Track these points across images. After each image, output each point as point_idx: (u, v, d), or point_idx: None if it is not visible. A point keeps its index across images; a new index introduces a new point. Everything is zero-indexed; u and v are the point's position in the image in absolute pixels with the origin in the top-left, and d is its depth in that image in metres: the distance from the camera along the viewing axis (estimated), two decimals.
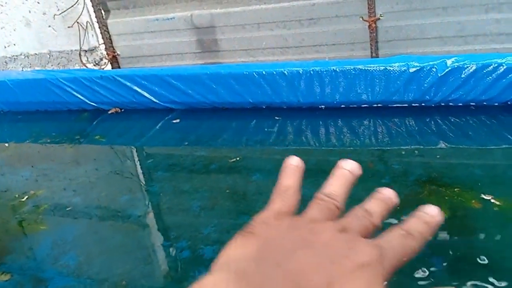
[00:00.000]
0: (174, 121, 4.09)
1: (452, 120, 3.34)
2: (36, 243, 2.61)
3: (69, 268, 2.31)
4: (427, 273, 1.93)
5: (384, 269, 0.40)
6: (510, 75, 3.24)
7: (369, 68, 3.55)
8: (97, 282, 2.18)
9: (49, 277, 2.26)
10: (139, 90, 4.29)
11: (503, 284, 1.83)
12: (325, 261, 0.39)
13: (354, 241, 0.42)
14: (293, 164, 0.54)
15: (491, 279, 1.86)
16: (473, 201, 2.37)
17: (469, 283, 1.86)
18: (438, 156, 2.93)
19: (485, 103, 3.43)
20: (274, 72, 3.80)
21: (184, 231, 2.48)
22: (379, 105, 3.69)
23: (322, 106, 3.86)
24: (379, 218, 0.48)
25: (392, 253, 0.42)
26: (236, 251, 0.42)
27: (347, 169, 0.53)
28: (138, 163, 3.50)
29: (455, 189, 2.48)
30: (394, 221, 1.70)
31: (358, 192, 2.01)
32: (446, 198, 2.42)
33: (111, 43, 4.82)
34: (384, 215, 0.49)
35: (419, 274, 1.93)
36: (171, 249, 2.36)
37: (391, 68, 3.49)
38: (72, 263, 2.34)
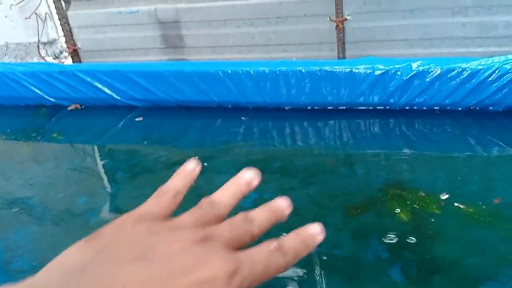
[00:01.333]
0: (137, 119, 3.98)
1: (416, 124, 3.36)
2: None
3: (21, 274, 2.20)
4: (385, 277, 1.92)
5: (235, 286, 0.36)
6: (473, 80, 3.26)
7: (335, 70, 3.53)
8: None
9: None
10: (100, 86, 4.16)
11: None
12: (159, 276, 0.35)
13: (209, 253, 0.38)
14: (187, 168, 0.49)
15: (449, 285, 1.86)
16: (435, 205, 2.37)
17: None
18: (402, 160, 2.93)
19: (448, 107, 3.46)
20: (240, 71, 3.74)
21: None
22: (344, 107, 3.67)
23: (288, 107, 3.82)
24: (260, 228, 0.44)
25: (250, 269, 0.38)
26: (71, 254, 0.39)
27: (244, 179, 0.48)
28: (98, 163, 3.38)
29: (418, 193, 2.48)
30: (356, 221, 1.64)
31: (322, 198, 1.95)
32: (408, 202, 2.42)
33: (72, 36, 4.66)
34: (269, 225, 0.45)
35: (376, 278, 1.92)
36: None
37: (357, 71, 3.48)
38: (25, 268, 2.24)
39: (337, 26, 3.86)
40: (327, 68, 3.54)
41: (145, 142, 3.52)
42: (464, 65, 3.26)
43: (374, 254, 2.07)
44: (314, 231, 0.44)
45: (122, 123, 3.98)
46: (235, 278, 0.36)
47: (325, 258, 2.07)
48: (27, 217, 2.71)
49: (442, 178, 2.68)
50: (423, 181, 2.63)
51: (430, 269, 1.97)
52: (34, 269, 1.98)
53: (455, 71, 3.28)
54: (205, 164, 3.05)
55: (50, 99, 4.41)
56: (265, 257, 0.40)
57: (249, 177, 0.49)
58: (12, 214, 2.75)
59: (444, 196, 2.41)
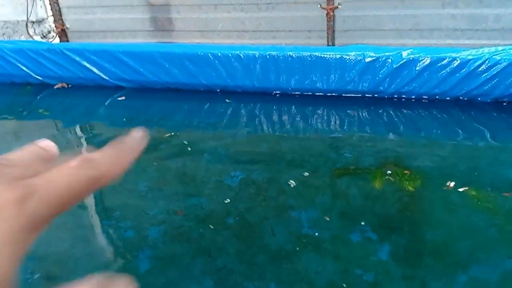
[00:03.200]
0: (120, 98, 3.95)
1: (405, 111, 3.37)
2: None
3: None
4: (373, 257, 1.92)
5: (29, 210, 0.29)
6: (463, 70, 3.28)
7: (325, 56, 3.53)
8: (34, 260, 2.06)
9: None
10: (87, 65, 4.11)
11: (447, 270, 1.84)
12: None
13: None
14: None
15: (436, 265, 1.87)
16: (421, 188, 2.39)
17: (415, 271, 1.85)
18: (388, 147, 2.93)
19: (437, 97, 3.47)
20: (230, 55, 3.72)
21: (129, 211, 2.37)
22: (333, 94, 3.68)
23: (277, 92, 3.81)
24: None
25: (47, 189, 0.30)
26: None
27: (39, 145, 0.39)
28: (83, 140, 3.34)
29: (403, 177, 2.50)
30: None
31: (309, 179, 1.94)
32: (392, 181, 2.44)
33: (60, 15, 4.61)
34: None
35: (364, 257, 1.92)
36: (114, 229, 2.25)
37: (347, 57, 3.48)
38: None
39: (327, 13, 3.86)
40: (317, 54, 3.54)
41: (131, 123, 3.48)
42: (454, 55, 3.28)
43: (362, 234, 2.07)
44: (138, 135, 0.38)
45: (108, 102, 3.93)
46: (27, 202, 0.30)
47: (313, 238, 2.07)
48: None
49: (429, 165, 2.68)
50: (409, 167, 2.64)
51: (419, 250, 1.97)
52: None
53: (445, 61, 3.29)
54: (189, 148, 3.03)
55: (37, 77, 4.34)
56: (66, 172, 0.32)
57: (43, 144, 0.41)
58: None
59: (434, 184, 2.43)
